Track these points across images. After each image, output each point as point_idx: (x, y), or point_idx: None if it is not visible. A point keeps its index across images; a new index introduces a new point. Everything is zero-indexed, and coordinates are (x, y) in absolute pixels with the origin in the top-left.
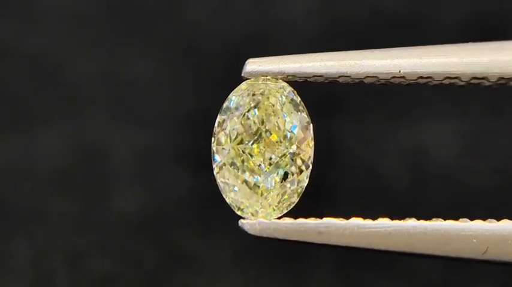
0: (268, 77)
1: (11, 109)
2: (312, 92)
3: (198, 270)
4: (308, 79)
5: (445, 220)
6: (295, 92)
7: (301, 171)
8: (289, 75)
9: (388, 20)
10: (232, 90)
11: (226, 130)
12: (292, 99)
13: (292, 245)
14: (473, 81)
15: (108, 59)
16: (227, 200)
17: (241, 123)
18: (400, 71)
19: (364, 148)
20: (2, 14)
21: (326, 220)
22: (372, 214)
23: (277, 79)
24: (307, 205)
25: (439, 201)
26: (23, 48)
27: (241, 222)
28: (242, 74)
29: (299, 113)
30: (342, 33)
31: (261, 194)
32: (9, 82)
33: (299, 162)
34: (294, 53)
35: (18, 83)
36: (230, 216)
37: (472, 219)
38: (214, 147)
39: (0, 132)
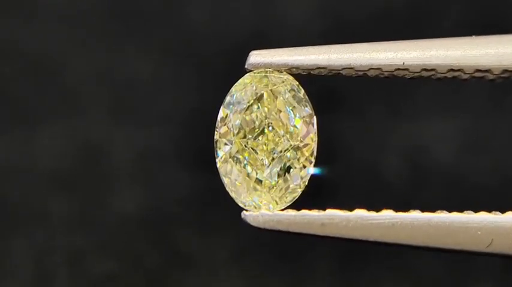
0: (271, 70)
1: (11, 109)
2: (313, 89)
3: (198, 270)
4: (311, 71)
5: (449, 212)
6: (299, 85)
7: (304, 165)
8: (292, 67)
9: (389, 19)
10: (231, 89)
11: (229, 124)
12: (296, 93)
13: (295, 237)
14: (477, 74)
15: (108, 59)
16: (230, 194)
17: (244, 117)
18: (403, 63)
19: (365, 144)
20: (2, 14)
21: (329, 211)
22: (373, 209)
23: (280, 71)
24: (308, 202)
25: (439, 197)
26: (23, 48)
27: (243, 214)
28: (245, 66)
29: (302, 106)
30: (343, 32)
31: (264, 189)
32: (9, 82)
33: (302, 156)
34: None
35: (18, 83)
36: (230, 216)
37: (476, 212)
38: (217, 141)
39: (0, 132)
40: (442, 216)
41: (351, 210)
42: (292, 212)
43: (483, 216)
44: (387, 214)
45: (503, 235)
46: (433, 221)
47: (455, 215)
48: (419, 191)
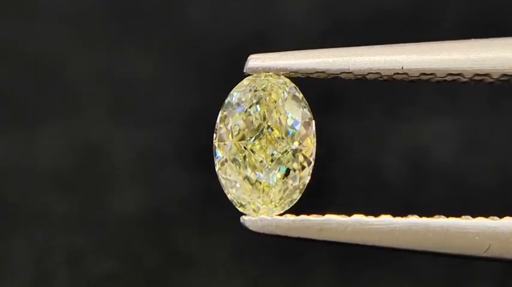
0: (270, 73)
1: (11, 109)
2: (312, 90)
3: (198, 270)
4: (310, 75)
5: (447, 217)
6: (297, 88)
7: (303, 167)
8: (291, 72)
9: (389, 19)
10: (231, 92)
11: (228, 126)
12: (294, 95)
13: (294, 241)
14: (476, 78)
15: (108, 59)
16: (229, 197)
17: (243, 119)
18: (402, 68)
19: (364, 144)
20: (2, 14)
21: (328, 216)
22: (372, 210)
23: (279, 75)
24: (308, 202)
25: (438, 198)
26: (23, 48)
27: (243, 219)
28: (244, 70)
29: (301, 109)
30: (343, 32)
31: (263, 191)
32: (9, 82)
33: (301, 158)
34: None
35: (18, 83)
36: (230, 216)
37: (474, 216)
38: (216, 143)
39: (0, 132)
40: (440, 221)
41: (349, 214)
42: (291, 217)
43: (481, 221)
44: (385, 219)
45: (501, 240)
46: (431, 226)
47: (453, 221)
48: (419, 191)
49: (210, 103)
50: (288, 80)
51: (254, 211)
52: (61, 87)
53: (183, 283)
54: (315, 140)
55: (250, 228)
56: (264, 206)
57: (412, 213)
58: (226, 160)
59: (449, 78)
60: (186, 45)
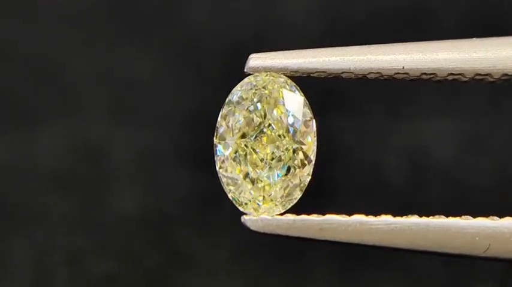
0: (270, 73)
1: (11, 109)
2: (313, 89)
3: (197, 270)
4: (311, 75)
5: (447, 217)
6: (297, 86)
7: (303, 165)
8: (292, 71)
9: (389, 19)
10: (232, 90)
11: (229, 124)
12: (295, 94)
13: (295, 241)
14: (476, 77)
15: (108, 59)
16: (229, 195)
17: (244, 117)
18: (403, 67)
19: (365, 144)
20: (2, 14)
21: (328, 216)
22: (372, 210)
23: (279, 75)
24: (309, 202)
25: (438, 198)
26: (23, 48)
27: (243, 218)
28: (245, 70)
29: (302, 107)
30: (343, 32)
31: (264, 189)
32: (9, 82)
33: (302, 156)
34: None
35: (18, 83)
36: (230, 216)
37: (474, 216)
38: (216, 141)
39: (0, 132)
40: (440, 221)
41: (349, 214)
42: (291, 217)
43: (481, 221)
44: (386, 219)
45: (501, 240)
46: (431, 226)
47: (453, 220)
48: (419, 191)
49: (210, 103)
50: (288, 79)
51: (255, 209)
52: (61, 87)
53: (183, 283)
54: (316, 138)
55: (251, 228)
56: (264, 205)
57: (412, 213)
58: (227, 158)
59: (450, 77)
60: (186, 45)
